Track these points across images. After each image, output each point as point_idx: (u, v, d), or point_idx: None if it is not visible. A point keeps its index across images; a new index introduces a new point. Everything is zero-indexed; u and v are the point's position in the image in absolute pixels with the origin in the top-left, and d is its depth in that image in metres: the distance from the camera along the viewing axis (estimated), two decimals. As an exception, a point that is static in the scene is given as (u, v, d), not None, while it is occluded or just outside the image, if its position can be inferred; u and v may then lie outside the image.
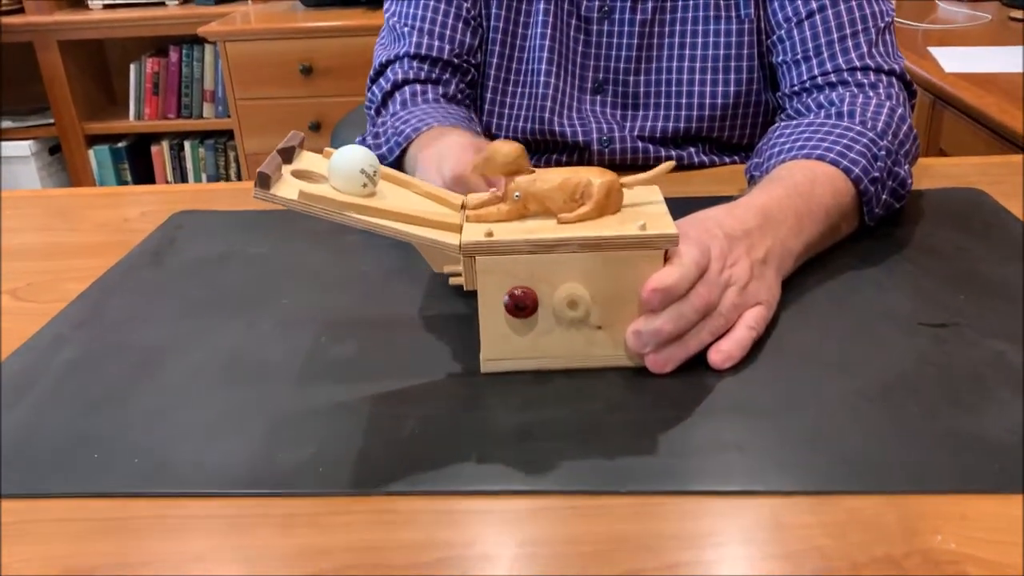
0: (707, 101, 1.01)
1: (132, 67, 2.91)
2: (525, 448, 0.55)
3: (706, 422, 0.57)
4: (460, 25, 1.03)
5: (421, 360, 0.66)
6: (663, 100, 1.02)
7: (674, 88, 1.02)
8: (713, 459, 0.54)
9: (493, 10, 1.02)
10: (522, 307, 0.60)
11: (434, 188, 0.66)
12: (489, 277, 0.60)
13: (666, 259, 0.61)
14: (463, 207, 0.65)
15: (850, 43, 0.92)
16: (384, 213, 0.60)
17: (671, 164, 0.63)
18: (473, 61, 1.04)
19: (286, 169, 0.62)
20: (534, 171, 0.63)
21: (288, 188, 0.60)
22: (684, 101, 1.02)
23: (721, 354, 0.62)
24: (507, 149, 0.62)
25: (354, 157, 0.60)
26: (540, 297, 0.61)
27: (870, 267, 0.77)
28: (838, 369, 0.62)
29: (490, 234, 0.60)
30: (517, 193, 0.62)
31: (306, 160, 0.65)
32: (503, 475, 0.53)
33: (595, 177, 0.62)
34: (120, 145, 3.03)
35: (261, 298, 0.77)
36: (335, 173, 0.61)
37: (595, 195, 0.61)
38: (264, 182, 0.58)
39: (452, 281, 0.62)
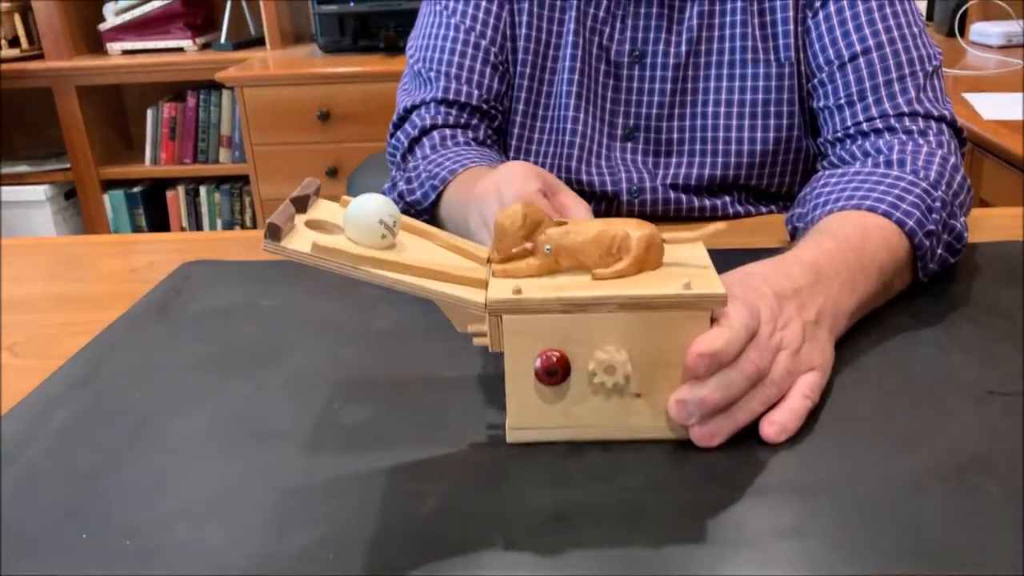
0: (744, 147, 0.96)
1: (149, 112, 2.90)
2: (558, 532, 0.49)
3: (760, 504, 0.51)
4: (488, 70, 0.99)
5: (441, 428, 0.60)
6: (697, 147, 0.97)
7: (709, 134, 0.97)
8: (771, 547, 0.48)
9: (520, 55, 0.98)
10: (553, 372, 0.55)
11: (458, 240, 0.61)
12: (517, 338, 0.55)
13: (713, 321, 0.55)
14: (489, 261, 0.60)
15: (897, 87, 0.87)
16: (403, 267, 0.55)
17: (723, 226, 0.58)
18: (500, 107, 1.00)
19: (300, 219, 0.58)
20: (565, 221, 0.58)
21: (301, 240, 0.55)
22: (720, 147, 0.97)
23: (775, 426, 0.56)
24: (512, 217, 0.57)
25: (372, 207, 0.56)
26: (573, 361, 0.55)
27: (928, 327, 0.71)
28: (904, 443, 0.56)
29: (518, 291, 0.55)
30: (548, 246, 0.57)
31: (322, 209, 0.60)
32: (533, 564, 0.47)
33: (633, 230, 0.56)
34: (135, 190, 3.01)
35: (270, 355, 0.72)
36: (351, 223, 0.56)
37: (633, 249, 0.56)
38: (274, 234, 0.53)
39: (476, 341, 0.57)
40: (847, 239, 0.70)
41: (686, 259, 0.58)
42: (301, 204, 0.58)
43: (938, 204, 0.76)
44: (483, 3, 0.98)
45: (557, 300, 0.54)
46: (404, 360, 0.70)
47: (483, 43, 0.98)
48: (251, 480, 0.56)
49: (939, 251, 0.76)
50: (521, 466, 0.56)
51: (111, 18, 2.83)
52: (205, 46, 2.86)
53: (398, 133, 1.03)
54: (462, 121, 0.99)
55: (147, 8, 2.79)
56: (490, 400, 0.63)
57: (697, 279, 0.55)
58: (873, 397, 0.61)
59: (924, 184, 0.77)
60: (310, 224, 0.57)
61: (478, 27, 0.98)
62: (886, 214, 0.74)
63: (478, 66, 0.98)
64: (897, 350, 0.68)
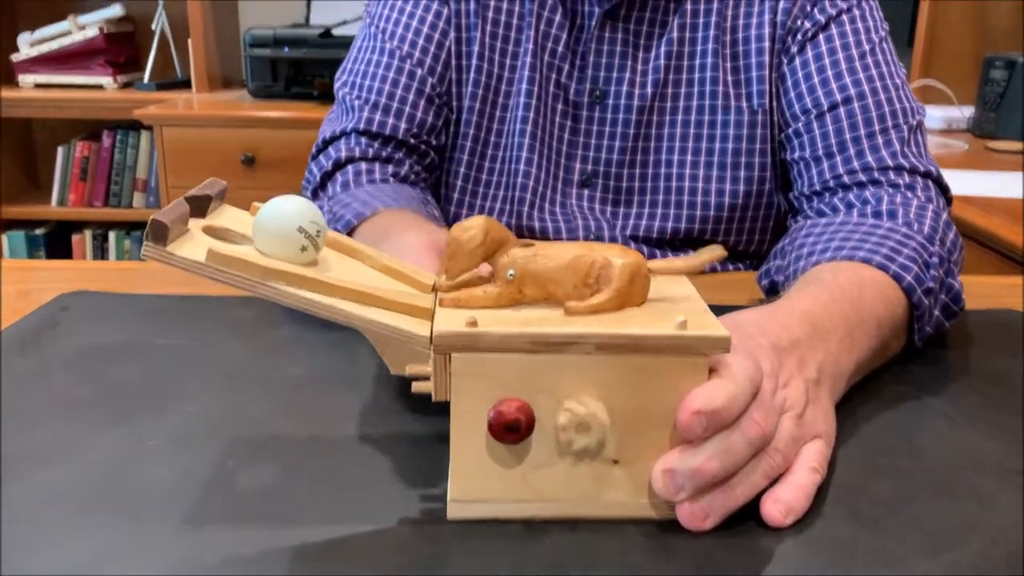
0: (712, 200, 0.87)
1: (60, 150, 2.72)
2: (516, 641, 0.37)
3: (771, 607, 0.40)
4: (422, 102, 0.88)
5: (362, 499, 0.48)
6: (660, 197, 0.88)
7: (674, 183, 0.88)
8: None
9: (469, 88, 0.88)
10: (513, 428, 0.43)
11: (397, 262, 0.50)
12: (468, 383, 0.43)
13: (711, 372, 0.45)
14: (435, 289, 0.48)
15: (880, 140, 0.80)
16: (325, 287, 0.43)
17: (720, 251, 0.48)
18: (434, 142, 0.90)
19: (196, 224, 0.46)
20: (532, 243, 0.47)
21: (194, 247, 0.43)
22: (685, 199, 0.88)
23: (781, 505, 0.45)
24: (471, 232, 0.46)
25: (290, 209, 0.44)
26: (537, 415, 0.44)
27: (931, 396, 0.62)
28: (928, 534, 0.46)
29: (473, 323, 0.43)
30: (511, 271, 0.46)
31: (226, 216, 0.48)
32: None
33: (616, 257, 0.46)
34: (38, 232, 2.81)
35: (157, 402, 0.59)
36: (263, 230, 0.44)
37: (615, 280, 0.45)
38: (159, 234, 0.41)
39: (416, 388, 0.45)
40: (842, 290, 0.61)
41: (674, 295, 0.48)
42: (199, 206, 0.46)
43: (935, 260, 0.68)
44: (424, 29, 0.88)
45: (523, 336, 0.43)
46: (320, 415, 0.58)
47: (419, 72, 0.88)
48: (119, 552, 0.42)
49: (936, 312, 0.68)
50: (465, 553, 0.44)
51: (25, 49, 2.66)
52: (127, 85, 2.71)
53: (312, 165, 0.91)
54: (383, 155, 0.89)
55: (66, 41, 2.64)
56: (428, 466, 0.51)
57: (693, 318, 0.45)
58: (886, 475, 0.51)
59: (919, 238, 0.69)
60: (209, 231, 0.45)
61: (416, 54, 0.88)
62: (881, 267, 0.65)
63: (411, 96, 0.88)
64: (902, 421, 0.58)
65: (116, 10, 2.66)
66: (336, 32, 2.43)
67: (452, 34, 0.88)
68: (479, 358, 0.43)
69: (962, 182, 1.44)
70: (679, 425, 0.44)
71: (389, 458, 0.52)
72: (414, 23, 0.88)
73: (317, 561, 0.42)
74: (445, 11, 0.88)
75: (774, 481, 0.47)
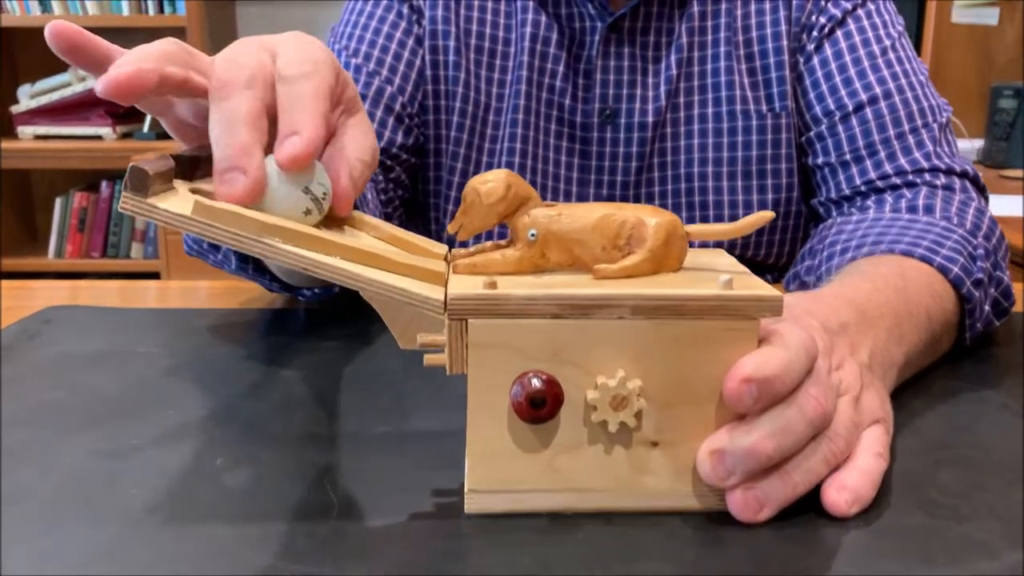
0: (739, 212, 0.81)
1: (58, 201, 2.69)
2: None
3: (844, 602, 0.34)
4: (390, 120, 0.81)
5: (369, 493, 0.42)
6: (683, 213, 0.82)
7: (696, 198, 0.82)
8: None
9: (455, 116, 0.82)
10: (538, 403, 0.38)
11: (404, 232, 0.45)
12: (487, 354, 0.38)
13: (760, 342, 0.40)
14: (447, 260, 0.44)
15: (911, 140, 0.75)
16: (327, 245, 0.38)
17: (769, 215, 0.43)
18: (403, 157, 0.83)
19: (182, 185, 0.41)
20: (555, 204, 0.42)
21: (179, 202, 0.38)
22: (711, 213, 0.82)
23: (846, 493, 0.40)
24: (491, 184, 0.41)
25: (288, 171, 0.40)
26: (566, 391, 0.39)
27: (989, 391, 0.56)
28: (1009, 522, 0.40)
29: (492, 285, 0.38)
30: (533, 232, 0.41)
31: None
32: None
33: (649, 215, 0.41)
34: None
35: (137, 406, 0.53)
36: (264, 199, 0.40)
37: (649, 239, 0.41)
38: (139, 182, 0.36)
39: (428, 360, 0.40)
40: (886, 279, 0.56)
41: (714, 264, 0.43)
42: (187, 167, 0.42)
43: (981, 252, 0.63)
44: (392, 47, 0.83)
45: (548, 298, 0.38)
46: (320, 414, 0.53)
47: (388, 89, 0.81)
48: (81, 558, 0.37)
49: (986, 307, 0.63)
50: (484, 548, 0.38)
51: (25, 100, 2.66)
52: (126, 135, 2.70)
53: None
54: None
55: (66, 92, 2.63)
56: (442, 459, 0.45)
57: (739, 279, 0.40)
58: (953, 465, 0.46)
59: (961, 231, 0.64)
60: (197, 193, 0.41)
61: (384, 72, 0.82)
62: (924, 258, 0.60)
63: (378, 113, 0.81)
64: (961, 414, 0.53)
65: (116, 61, 2.66)
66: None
67: (427, 57, 0.82)
68: (499, 324, 0.38)
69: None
70: (726, 395, 0.38)
71: (396, 454, 0.47)
72: (380, 40, 0.82)
73: (318, 557, 0.37)
74: (415, 29, 0.83)
75: (833, 470, 0.41)
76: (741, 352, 0.39)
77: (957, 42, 1.98)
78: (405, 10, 0.83)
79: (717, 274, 0.40)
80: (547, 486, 0.40)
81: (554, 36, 0.82)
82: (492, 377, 0.39)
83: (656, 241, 0.41)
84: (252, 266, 0.67)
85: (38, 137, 2.65)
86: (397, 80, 0.82)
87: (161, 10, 2.56)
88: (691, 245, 0.43)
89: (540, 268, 0.41)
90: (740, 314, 0.38)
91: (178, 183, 0.41)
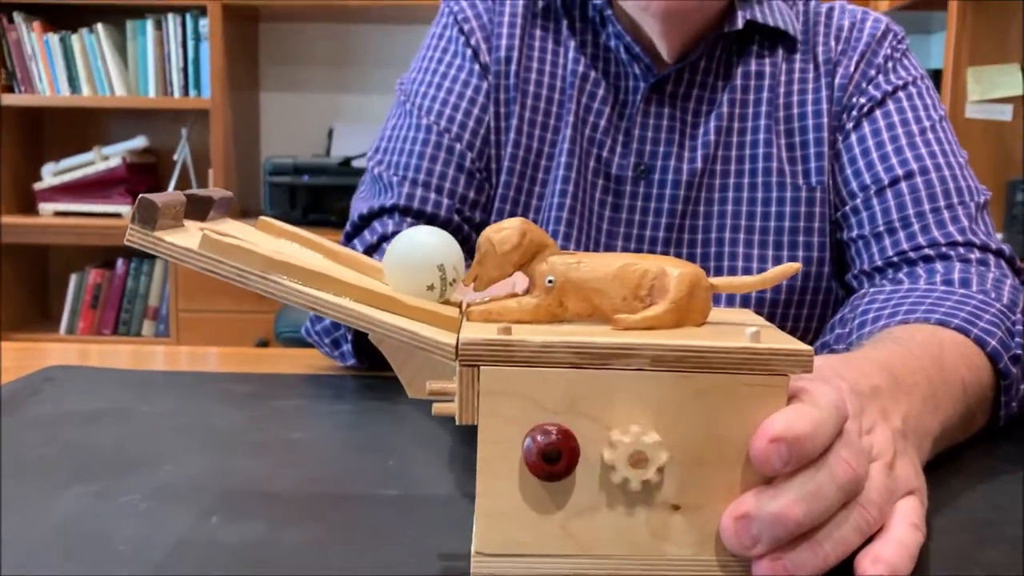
0: None
1: (73, 277, 2.71)
2: None
3: None
4: (462, 177, 0.83)
5: (369, 555, 0.40)
6: (710, 276, 0.81)
7: (725, 263, 0.81)
8: None
9: (505, 163, 0.84)
10: (553, 458, 0.36)
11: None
12: (499, 403, 0.36)
13: (789, 400, 0.37)
14: (461, 310, 0.42)
15: (946, 215, 0.74)
16: (335, 284, 0.37)
17: (797, 265, 0.42)
18: (477, 218, 0.84)
19: (192, 224, 0.40)
20: (573, 253, 0.41)
21: (186, 237, 0.37)
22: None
23: (881, 565, 0.37)
24: (505, 232, 0.40)
25: (436, 243, 0.39)
26: (582, 447, 0.36)
27: (1026, 469, 0.54)
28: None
29: (507, 330, 0.36)
30: (550, 278, 0.39)
31: (231, 226, 0.43)
32: None
33: (671, 266, 0.40)
34: (45, 359, 2.75)
35: (133, 462, 0.51)
36: (396, 253, 0.39)
37: (672, 290, 0.39)
38: (147, 215, 0.35)
39: (437, 409, 0.38)
40: (921, 347, 0.54)
41: (740, 320, 0.42)
42: (199, 207, 0.41)
43: (1020, 328, 0.61)
44: (463, 104, 0.85)
45: (565, 346, 0.36)
46: (324, 475, 0.50)
47: (458, 147, 0.83)
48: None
49: (1022, 386, 0.60)
50: (492, 614, 0.35)
51: (48, 178, 2.70)
52: (145, 214, 2.72)
53: (354, 243, 0.86)
54: None
55: (89, 171, 2.67)
56: (449, 522, 0.43)
57: (768, 333, 0.38)
58: (996, 543, 0.43)
59: (999, 305, 0.62)
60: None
61: (454, 129, 0.84)
62: (961, 329, 0.58)
63: (451, 172, 0.83)
64: (1001, 493, 0.50)
65: (140, 141, 2.71)
66: (356, 164, 2.45)
67: (491, 108, 0.84)
68: (513, 373, 0.36)
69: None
70: (754, 456, 0.36)
71: (401, 516, 0.44)
72: (452, 98, 0.84)
73: (309, 620, 0.34)
74: (484, 85, 0.84)
75: (867, 541, 0.39)
76: (769, 410, 0.36)
77: (973, 138, 1.99)
78: (476, 67, 0.85)
79: (743, 327, 0.38)
80: (560, 551, 0.37)
81: (600, 92, 0.84)
82: (504, 429, 0.36)
83: (679, 292, 0.39)
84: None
85: (58, 214, 2.68)
86: (467, 136, 0.83)
87: (186, 93, 2.62)
88: (716, 303, 0.41)
89: (557, 317, 0.40)
90: (768, 369, 0.36)
91: (188, 223, 0.40)
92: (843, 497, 0.37)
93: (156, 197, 0.36)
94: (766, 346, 0.36)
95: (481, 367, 0.36)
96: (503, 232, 0.40)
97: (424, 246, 0.40)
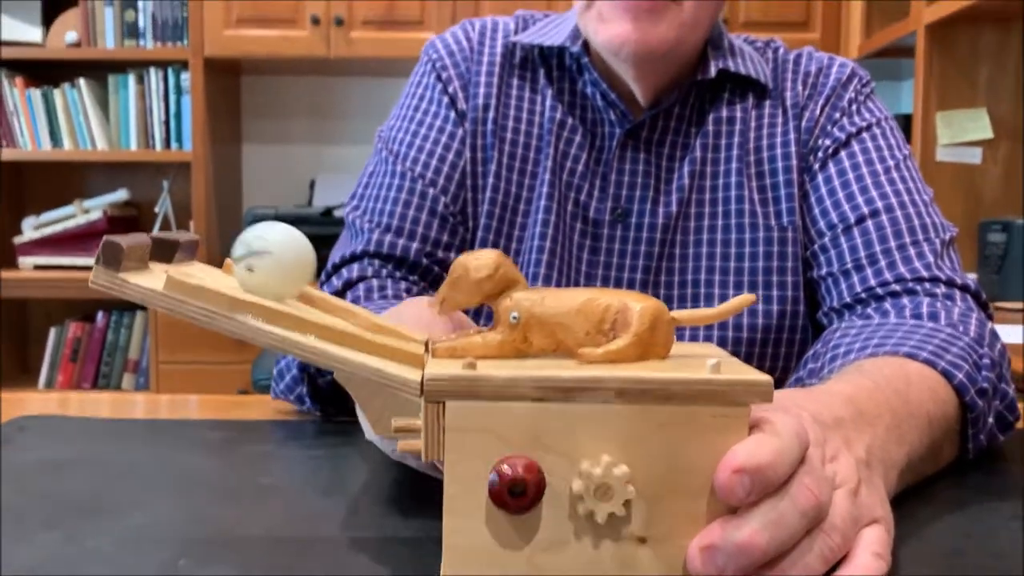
0: (744, 320, 0.81)
1: (52, 331, 2.69)
2: None
3: None
4: (435, 221, 0.84)
5: (338, 595, 0.40)
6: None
7: (702, 303, 0.82)
8: None
9: (484, 207, 0.85)
10: (518, 491, 0.36)
11: (387, 320, 0.44)
12: (465, 439, 0.37)
13: (751, 430, 0.38)
14: (427, 348, 0.42)
15: (912, 252, 0.75)
16: (300, 323, 0.37)
17: (750, 299, 0.42)
18: (449, 260, 0.85)
19: (157, 267, 0.40)
20: (538, 289, 0.41)
21: (151, 279, 0.37)
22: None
23: (846, 594, 0.37)
24: (481, 260, 0.41)
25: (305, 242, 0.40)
26: (548, 481, 0.37)
27: (998, 501, 0.54)
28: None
29: (472, 365, 0.37)
30: (515, 314, 0.40)
31: (197, 269, 0.43)
32: None
33: (633, 301, 0.40)
34: (23, 415, 2.72)
35: (103, 508, 0.51)
36: (271, 251, 0.39)
37: (635, 324, 0.40)
38: (112, 257, 0.36)
39: (402, 446, 0.38)
40: (887, 379, 0.55)
41: (702, 353, 0.42)
42: (165, 250, 0.41)
43: (987, 362, 0.62)
44: (438, 150, 0.86)
45: (529, 380, 0.37)
46: (292, 519, 0.50)
47: (431, 191, 0.84)
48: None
49: (990, 420, 0.61)
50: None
51: (28, 232, 2.70)
52: (126, 267, 2.72)
53: (323, 289, 0.86)
54: (397, 275, 0.84)
55: (70, 224, 2.67)
56: (418, 563, 0.43)
57: (728, 365, 0.39)
58: (963, 573, 0.43)
59: (967, 338, 0.63)
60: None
61: (428, 174, 0.85)
62: (929, 362, 0.59)
63: (423, 216, 0.84)
64: (971, 524, 0.50)
65: (121, 194, 2.72)
66: (337, 213, 2.46)
67: (467, 154, 0.86)
68: (479, 408, 0.37)
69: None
70: (718, 487, 0.36)
71: (369, 556, 0.44)
72: (427, 144, 0.86)
73: (274, 661, 0.34)
74: (460, 132, 0.86)
75: (832, 568, 0.39)
76: (731, 441, 0.37)
77: (943, 181, 2.02)
78: (452, 114, 0.86)
79: (704, 359, 0.38)
80: (527, 585, 0.37)
81: (577, 138, 0.85)
82: (470, 464, 0.37)
83: (642, 326, 0.40)
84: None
85: (38, 267, 2.67)
86: (441, 181, 0.85)
87: (168, 146, 2.64)
88: (682, 338, 0.42)
89: (522, 353, 0.40)
90: (729, 400, 0.37)
91: (154, 265, 0.40)
92: (806, 524, 0.37)
93: (121, 239, 0.37)
94: (726, 377, 0.37)
95: (446, 403, 0.37)
96: (479, 260, 0.40)
97: (293, 241, 0.40)
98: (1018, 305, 1.73)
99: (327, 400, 0.73)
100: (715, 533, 0.36)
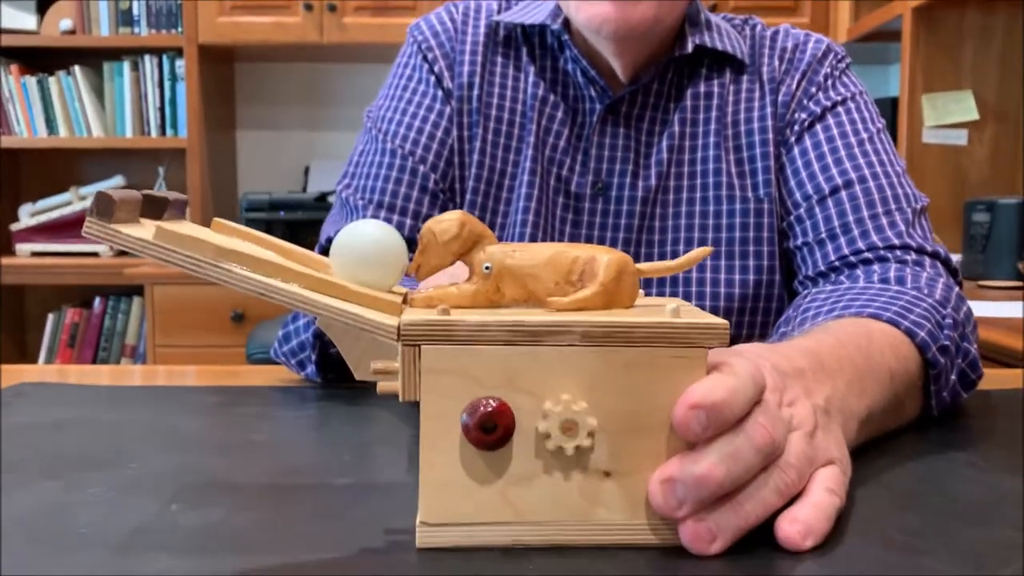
0: (721, 290, 0.84)
1: (50, 317, 2.71)
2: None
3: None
4: (426, 198, 0.86)
5: (320, 531, 0.42)
6: (667, 288, 0.85)
7: (680, 274, 0.85)
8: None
9: (470, 182, 0.87)
10: (490, 428, 0.38)
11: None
12: (439, 381, 0.39)
13: (709, 371, 0.40)
14: (406, 299, 0.45)
15: (884, 221, 0.78)
16: (286, 272, 0.40)
17: (708, 250, 0.45)
18: None
19: (148, 223, 0.42)
20: (509, 244, 0.44)
21: (141, 230, 0.39)
22: (693, 289, 0.84)
23: (799, 525, 0.40)
24: (445, 223, 0.43)
25: (375, 236, 0.42)
26: (518, 419, 0.39)
27: (957, 451, 0.57)
28: (967, 556, 0.40)
29: (446, 311, 0.39)
30: (487, 265, 0.42)
31: (186, 227, 0.45)
32: None
33: (600, 253, 0.43)
34: (21, 400, 2.74)
35: (100, 461, 0.53)
36: (360, 249, 0.42)
37: (601, 274, 0.42)
38: (104, 208, 0.38)
39: (381, 388, 0.40)
40: (849, 335, 0.57)
41: (662, 303, 0.44)
42: (156, 207, 0.43)
43: (949, 322, 0.64)
44: (427, 128, 0.88)
45: (500, 325, 0.39)
46: (281, 468, 0.52)
47: (421, 168, 0.87)
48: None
49: (952, 376, 0.63)
50: (435, 578, 0.37)
51: (25, 219, 2.72)
52: (122, 252, 2.74)
53: None
54: None
55: (66, 211, 2.69)
56: (398, 505, 0.45)
57: (687, 311, 0.41)
58: (915, 509, 0.46)
59: (930, 300, 0.66)
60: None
61: (418, 151, 0.87)
62: (892, 322, 0.61)
63: (414, 193, 0.87)
64: (927, 471, 0.53)
65: (117, 180, 2.74)
66: (331, 199, 2.48)
67: (454, 132, 0.88)
68: (452, 351, 0.39)
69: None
70: (675, 422, 0.39)
71: (354, 500, 0.46)
72: (416, 122, 0.88)
73: (260, 584, 0.36)
74: (447, 109, 0.88)
75: (789, 503, 0.41)
76: (689, 381, 0.39)
77: (930, 162, 2.05)
78: (439, 92, 0.89)
79: (664, 307, 0.41)
80: (499, 519, 0.40)
81: (559, 114, 0.88)
82: (445, 404, 0.39)
83: (607, 276, 0.42)
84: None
85: (35, 254, 2.69)
86: (431, 158, 0.87)
87: (163, 132, 2.66)
88: (649, 293, 0.44)
89: (495, 303, 0.42)
90: (687, 342, 0.39)
91: (145, 221, 0.42)
92: (761, 460, 0.40)
93: (113, 192, 0.39)
94: (684, 321, 0.39)
95: (422, 346, 0.39)
96: (443, 223, 0.42)
97: (367, 239, 0.42)
98: (1002, 283, 1.75)
99: (331, 369, 0.75)
100: (674, 467, 0.39)
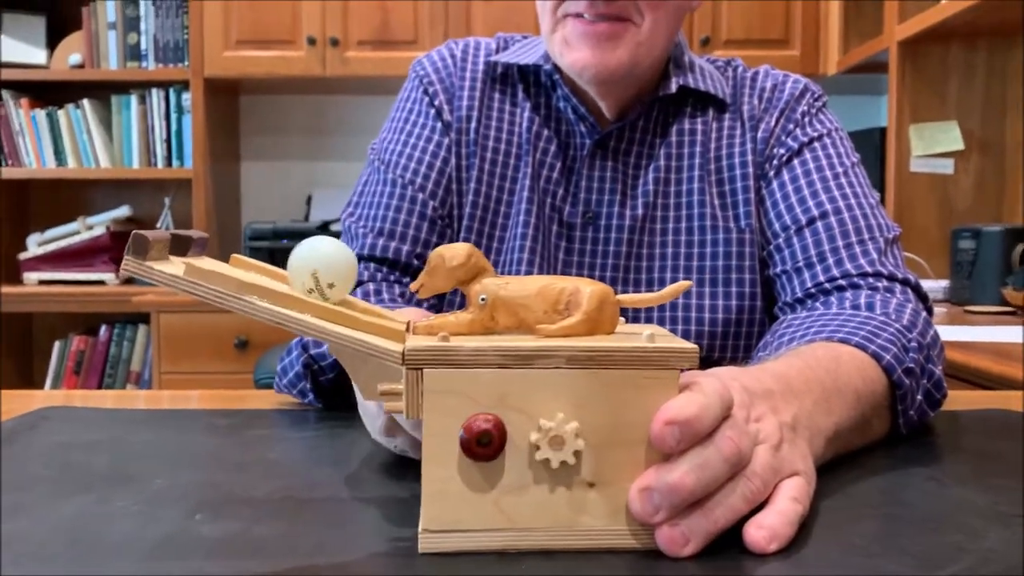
0: (705, 315, 0.89)
1: (56, 344, 2.76)
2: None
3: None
4: (424, 224, 0.92)
5: (332, 537, 0.46)
6: (654, 313, 0.90)
7: (668, 302, 0.90)
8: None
9: (467, 209, 0.93)
10: (485, 441, 0.43)
11: (373, 307, 0.51)
12: (440, 400, 0.43)
13: (681, 391, 0.45)
14: (408, 328, 0.49)
15: (857, 249, 0.83)
16: (299, 304, 0.44)
17: (687, 284, 0.49)
18: None
19: (176, 259, 0.47)
20: (503, 276, 0.48)
21: (172, 267, 0.44)
22: (679, 314, 0.89)
23: (764, 531, 0.44)
24: (455, 250, 0.48)
25: (311, 253, 0.46)
26: (511, 435, 0.44)
27: (919, 467, 0.61)
28: (919, 558, 0.44)
29: (446, 339, 0.44)
30: (483, 296, 0.47)
31: (207, 262, 0.50)
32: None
33: (584, 285, 0.47)
34: (27, 427, 2.78)
35: (128, 477, 0.57)
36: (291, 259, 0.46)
37: (584, 304, 0.46)
38: (140, 247, 0.43)
39: (388, 407, 0.45)
40: (818, 360, 0.62)
41: (644, 330, 0.49)
42: (181, 245, 0.48)
43: (914, 345, 0.69)
44: (427, 158, 0.94)
45: (495, 351, 0.43)
46: (297, 483, 0.57)
47: (421, 196, 0.92)
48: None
49: (919, 397, 0.68)
50: (436, 579, 0.42)
51: (33, 248, 2.77)
52: (128, 281, 2.79)
53: None
54: (391, 278, 0.91)
55: (74, 240, 2.75)
56: (402, 515, 0.49)
57: (661, 337, 0.46)
58: (873, 518, 0.50)
59: (897, 325, 0.70)
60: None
61: (418, 180, 0.93)
62: (860, 346, 0.66)
63: (413, 220, 0.92)
64: (889, 484, 0.57)
65: (124, 211, 2.79)
66: (334, 228, 2.54)
67: (452, 161, 0.93)
68: (451, 374, 0.43)
69: (944, 334, 1.46)
70: (652, 438, 0.43)
71: (362, 512, 0.51)
72: (416, 152, 0.93)
73: (280, 582, 0.41)
74: (446, 140, 0.93)
75: (756, 510, 0.46)
76: (664, 399, 0.44)
77: (918, 190, 2.10)
78: (439, 124, 0.94)
79: (642, 334, 0.45)
80: (494, 526, 0.44)
81: (552, 148, 0.93)
82: (445, 421, 0.44)
83: (591, 305, 0.47)
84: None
85: (43, 282, 2.74)
86: (430, 187, 0.92)
87: (169, 164, 2.71)
88: (637, 318, 0.49)
89: (490, 330, 0.47)
90: (661, 364, 0.44)
91: (173, 258, 0.47)
92: (729, 469, 0.44)
93: (147, 233, 0.43)
94: (658, 345, 0.44)
95: (425, 370, 0.43)
96: (453, 250, 0.47)
97: (300, 254, 0.46)
98: (987, 308, 1.80)
99: (327, 395, 0.80)
100: (650, 477, 0.43)
